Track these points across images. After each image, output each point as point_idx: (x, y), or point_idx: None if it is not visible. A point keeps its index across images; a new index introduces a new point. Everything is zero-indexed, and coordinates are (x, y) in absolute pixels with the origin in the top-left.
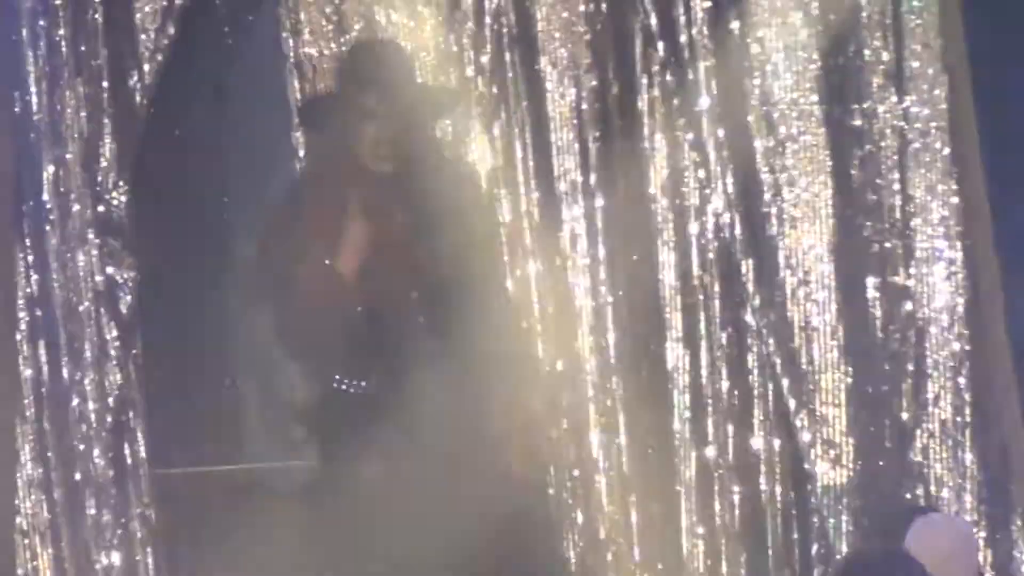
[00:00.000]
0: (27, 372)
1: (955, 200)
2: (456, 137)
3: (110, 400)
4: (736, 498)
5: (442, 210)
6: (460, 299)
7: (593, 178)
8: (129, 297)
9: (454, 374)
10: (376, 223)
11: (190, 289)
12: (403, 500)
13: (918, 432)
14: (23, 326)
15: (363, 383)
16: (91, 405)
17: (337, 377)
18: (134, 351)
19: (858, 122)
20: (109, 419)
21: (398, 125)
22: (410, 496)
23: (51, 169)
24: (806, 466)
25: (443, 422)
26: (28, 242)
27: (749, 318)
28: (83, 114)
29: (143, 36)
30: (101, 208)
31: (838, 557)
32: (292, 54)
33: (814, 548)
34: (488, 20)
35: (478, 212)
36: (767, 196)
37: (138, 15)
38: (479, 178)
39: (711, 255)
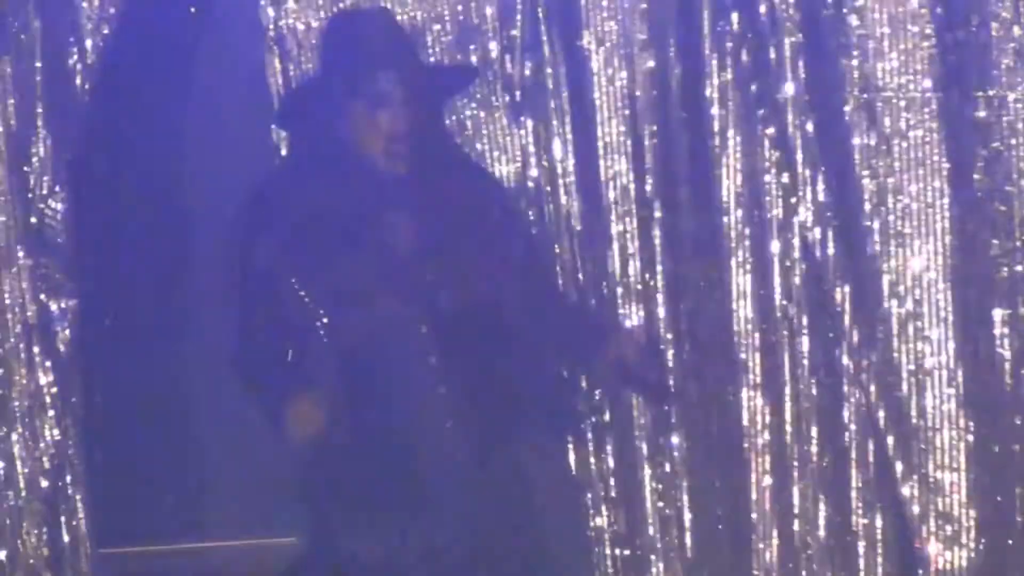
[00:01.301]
0: None
1: None
2: (476, 130)
3: (44, 461)
4: None
5: (463, 220)
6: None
7: (649, 183)
8: (67, 331)
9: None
10: (387, 235)
11: (143, 318)
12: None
13: None
14: None
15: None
16: (20, 467)
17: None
18: (73, 399)
19: (982, 113)
20: (43, 484)
21: (414, 116)
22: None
23: None
24: (917, 545)
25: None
26: None
27: (845, 359)
28: (10, 101)
29: (84, 4)
30: (33, 219)
31: None
32: (272, 27)
33: None
34: None
35: (507, 224)
36: (868, 207)
37: None
38: (504, 182)
39: (797, 280)
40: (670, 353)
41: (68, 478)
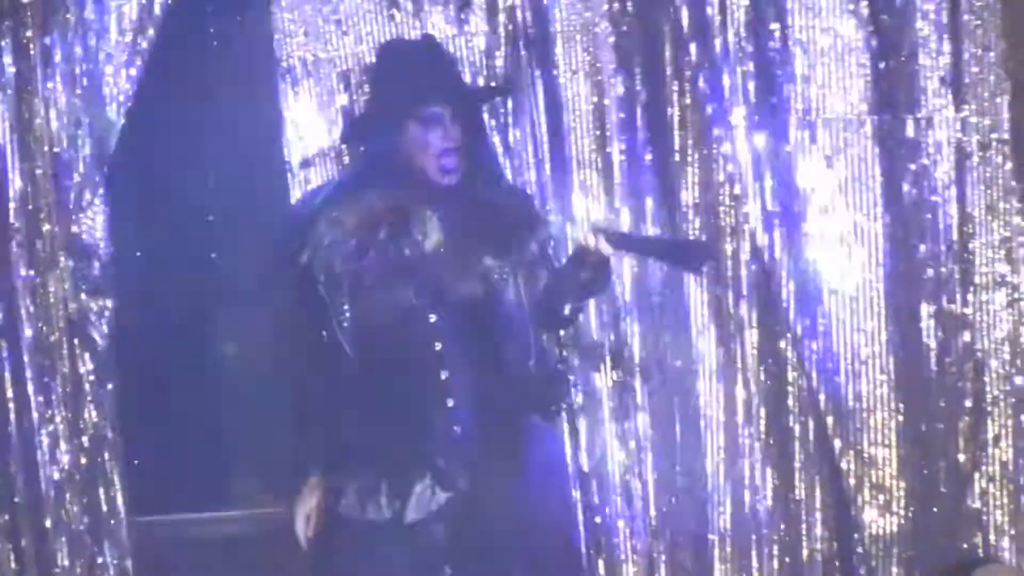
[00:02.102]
0: None
1: (1018, 220)
2: None
3: (84, 440)
4: (775, 548)
5: (506, 227)
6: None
7: (618, 195)
8: (104, 326)
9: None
10: (416, 231)
11: (171, 315)
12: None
13: (976, 475)
14: None
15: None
16: (63, 446)
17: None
18: (110, 385)
19: (911, 133)
20: (83, 460)
21: (462, 132)
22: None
23: (18, 185)
24: (852, 513)
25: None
26: None
27: (790, 350)
28: (54, 125)
29: (119, 38)
30: (74, 228)
31: None
32: (285, 58)
33: None
34: (502, 18)
35: (538, 228)
36: (810, 215)
37: (115, 14)
38: (533, 203)
39: (747, 280)
40: (636, 344)
41: (105, 455)
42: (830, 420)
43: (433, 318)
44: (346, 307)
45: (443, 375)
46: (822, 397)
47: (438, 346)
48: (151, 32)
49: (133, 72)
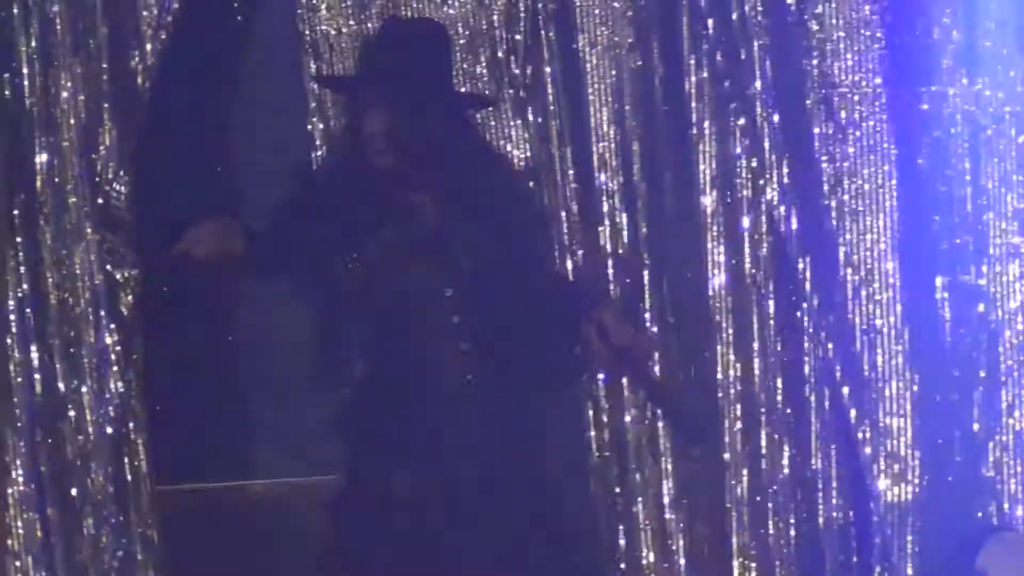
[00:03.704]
0: (19, 379)
1: None
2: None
3: (110, 410)
4: (791, 517)
5: (475, 201)
6: (498, 295)
7: (636, 167)
8: (130, 297)
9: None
10: (395, 219)
11: (195, 286)
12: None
13: (990, 444)
14: (14, 329)
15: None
16: (89, 415)
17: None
18: (135, 356)
19: (925, 107)
20: (108, 430)
21: (397, 115)
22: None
23: (45, 158)
24: (868, 482)
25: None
26: (19, 239)
27: (806, 321)
28: (80, 98)
29: (145, 12)
30: (100, 200)
31: None
32: (308, 32)
33: (876, 571)
34: None
35: (515, 201)
36: (826, 187)
37: None
38: (513, 165)
39: (764, 252)
40: (654, 317)
41: (131, 424)
42: (845, 390)
43: (449, 292)
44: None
45: (463, 347)
46: (838, 368)
47: (456, 319)
48: (176, 4)
49: (159, 45)
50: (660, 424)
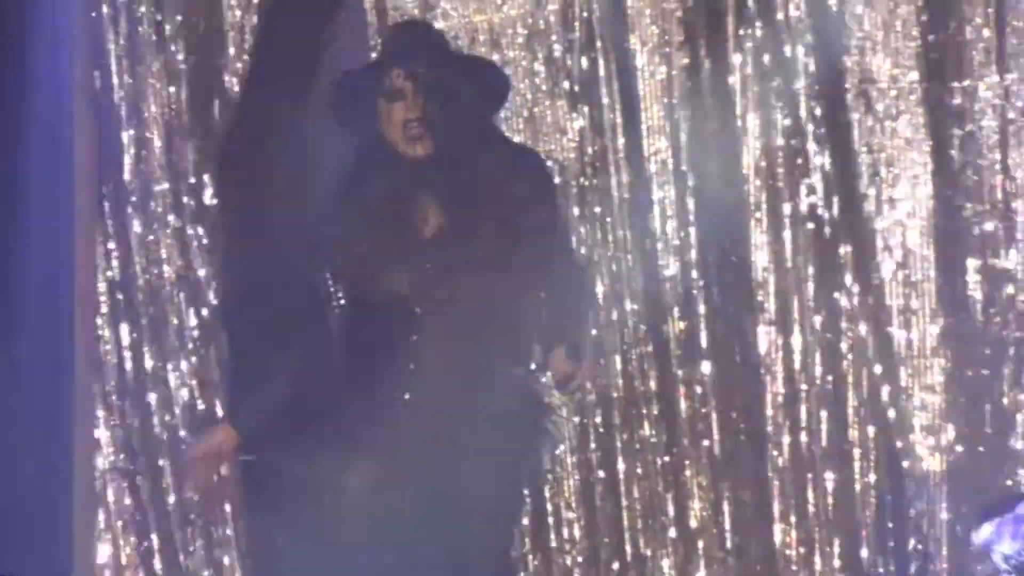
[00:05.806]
0: (108, 357)
1: None
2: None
3: (194, 386)
4: (830, 486)
5: (494, 201)
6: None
7: (684, 158)
8: (213, 284)
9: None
10: (414, 216)
11: (268, 276)
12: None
13: (1019, 417)
14: (104, 310)
15: (401, 394)
16: (175, 394)
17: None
18: (220, 340)
19: (958, 100)
20: (202, 406)
21: (430, 103)
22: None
23: (132, 151)
24: (902, 453)
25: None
26: (109, 224)
27: (844, 301)
28: (166, 93)
29: (228, 13)
30: (185, 198)
31: None
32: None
33: (911, 539)
34: None
35: (538, 202)
36: (864, 177)
37: None
38: (543, 164)
39: (805, 237)
40: (701, 296)
41: (215, 402)
42: (879, 368)
43: (418, 311)
44: (340, 294)
45: (411, 366)
46: (874, 346)
47: (414, 338)
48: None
49: (242, 40)
50: (709, 394)
